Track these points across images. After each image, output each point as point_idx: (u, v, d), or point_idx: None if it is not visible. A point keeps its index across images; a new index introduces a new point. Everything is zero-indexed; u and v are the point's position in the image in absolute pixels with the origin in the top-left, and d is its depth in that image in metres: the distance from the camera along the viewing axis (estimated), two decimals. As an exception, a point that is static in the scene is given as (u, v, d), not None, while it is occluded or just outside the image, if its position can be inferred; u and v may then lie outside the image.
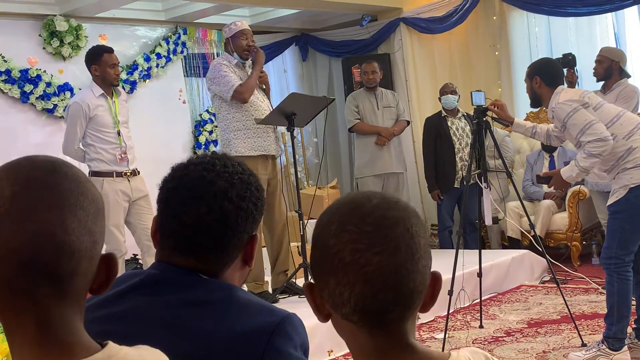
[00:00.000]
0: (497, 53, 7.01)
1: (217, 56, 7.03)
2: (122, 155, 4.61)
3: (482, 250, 4.49)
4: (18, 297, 0.83)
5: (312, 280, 1.00)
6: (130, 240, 4.77)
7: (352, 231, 0.93)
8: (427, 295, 0.97)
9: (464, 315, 4.69)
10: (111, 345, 0.88)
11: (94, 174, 4.52)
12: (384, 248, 0.92)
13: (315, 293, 0.98)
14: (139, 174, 4.74)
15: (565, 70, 5.09)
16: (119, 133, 4.62)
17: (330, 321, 1.01)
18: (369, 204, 0.95)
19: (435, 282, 0.98)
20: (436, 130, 6.32)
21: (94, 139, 4.58)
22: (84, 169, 4.50)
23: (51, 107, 5.90)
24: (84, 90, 4.80)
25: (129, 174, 4.64)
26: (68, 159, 4.37)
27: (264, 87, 4.77)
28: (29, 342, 0.84)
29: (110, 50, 4.64)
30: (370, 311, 0.93)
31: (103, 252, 0.92)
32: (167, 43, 6.72)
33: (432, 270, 0.98)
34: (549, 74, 3.65)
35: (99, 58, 4.58)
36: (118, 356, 0.87)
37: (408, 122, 6.57)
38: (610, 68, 4.99)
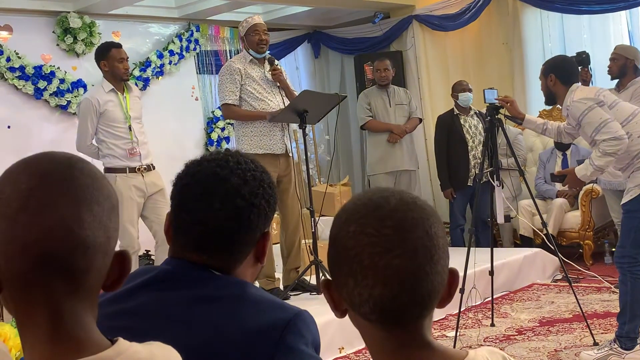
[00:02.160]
0: (510, 51, 6.97)
1: (230, 53, 7.08)
2: (133, 150, 4.62)
3: (494, 249, 4.46)
4: (31, 292, 0.83)
5: (328, 277, 1.00)
6: (143, 237, 4.79)
7: (371, 234, 0.92)
8: (444, 292, 0.97)
9: (476, 314, 4.67)
10: (121, 342, 0.88)
11: (108, 170, 4.53)
12: (403, 251, 0.92)
13: (332, 290, 0.99)
14: (154, 168, 4.75)
15: (579, 68, 5.05)
16: (130, 128, 4.64)
17: (342, 318, 1.01)
18: (388, 205, 0.95)
19: (452, 279, 0.98)
20: (449, 128, 6.29)
21: (106, 135, 4.60)
22: (99, 166, 4.52)
23: (65, 104, 5.93)
24: (95, 86, 4.83)
25: (142, 169, 4.66)
26: (83, 156, 4.39)
27: (278, 84, 4.75)
28: (40, 337, 0.84)
29: (118, 45, 4.66)
30: (389, 312, 0.93)
31: (116, 248, 0.92)
32: (180, 40, 6.73)
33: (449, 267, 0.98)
34: (564, 72, 3.62)
35: (107, 53, 4.61)
36: (127, 353, 0.87)
37: (420, 120, 6.56)
38: (624, 66, 4.94)
